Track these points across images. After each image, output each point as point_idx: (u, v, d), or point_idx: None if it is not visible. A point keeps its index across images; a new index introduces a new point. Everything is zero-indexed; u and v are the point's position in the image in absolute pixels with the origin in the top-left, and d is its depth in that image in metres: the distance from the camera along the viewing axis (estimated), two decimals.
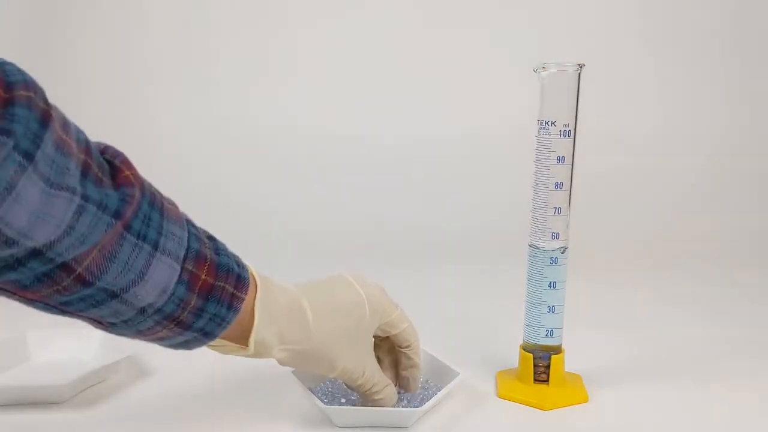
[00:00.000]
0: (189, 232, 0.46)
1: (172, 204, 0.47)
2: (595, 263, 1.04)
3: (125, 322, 0.45)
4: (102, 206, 0.40)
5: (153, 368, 0.69)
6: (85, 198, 0.39)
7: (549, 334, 0.63)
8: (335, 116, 1.33)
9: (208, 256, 0.47)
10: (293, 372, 0.60)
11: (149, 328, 0.46)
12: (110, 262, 0.41)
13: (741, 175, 1.28)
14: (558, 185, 0.60)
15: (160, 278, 0.43)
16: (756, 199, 1.26)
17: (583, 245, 0.80)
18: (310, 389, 0.59)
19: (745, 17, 1.30)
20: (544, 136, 0.60)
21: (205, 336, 0.48)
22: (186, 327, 0.46)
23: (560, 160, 0.60)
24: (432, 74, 1.32)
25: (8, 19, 1.26)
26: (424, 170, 1.30)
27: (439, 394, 0.58)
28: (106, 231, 0.40)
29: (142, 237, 0.42)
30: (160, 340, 0.48)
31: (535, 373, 0.64)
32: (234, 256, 0.50)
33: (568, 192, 0.61)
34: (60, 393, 0.60)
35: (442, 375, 0.63)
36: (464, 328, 0.81)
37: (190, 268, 0.45)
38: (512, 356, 0.67)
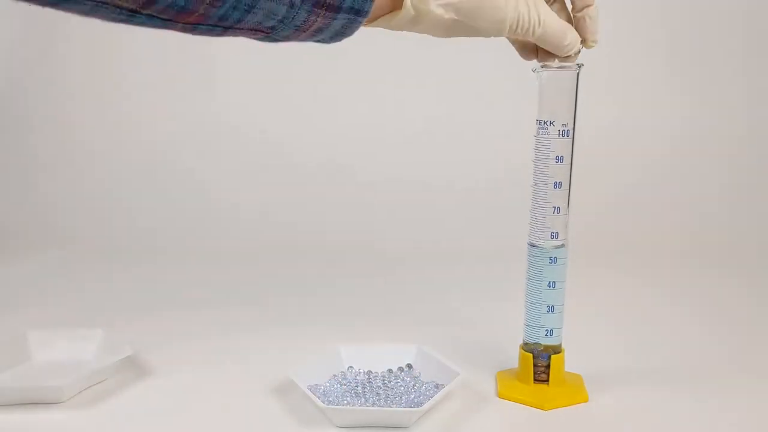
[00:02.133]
0: None
1: None
2: (595, 263, 1.04)
3: (281, 21, 0.45)
4: None
5: (153, 368, 0.69)
6: None
7: (549, 334, 0.63)
8: (335, 116, 1.33)
9: None
10: (293, 372, 0.60)
11: (304, 21, 0.46)
12: None
13: (742, 175, 1.28)
14: (557, 185, 0.60)
15: None
16: (757, 199, 1.26)
17: (583, 245, 0.80)
18: (310, 389, 0.59)
19: (745, 17, 1.30)
20: (543, 136, 0.60)
21: (357, 14, 0.47)
22: (336, 10, 0.46)
23: (559, 159, 0.60)
24: (431, 74, 1.32)
25: (8, 19, 1.27)
26: (423, 170, 1.30)
27: (439, 394, 0.58)
28: None
29: None
30: (319, 33, 0.48)
31: (535, 373, 0.64)
32: None
33: (567, 192, 0.61)
34: (60, 393, 0.60)
35: (442, 375, 0.63)
36: (464, 328, 0.81)
37: None
38: (512, 356, 0.67)
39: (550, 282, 0.62)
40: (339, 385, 0.62)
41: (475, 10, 0.49)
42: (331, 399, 0.60)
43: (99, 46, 1.34)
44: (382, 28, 0.51)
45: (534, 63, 0.59)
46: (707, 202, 1.25)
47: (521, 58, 0.58)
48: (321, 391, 0.61)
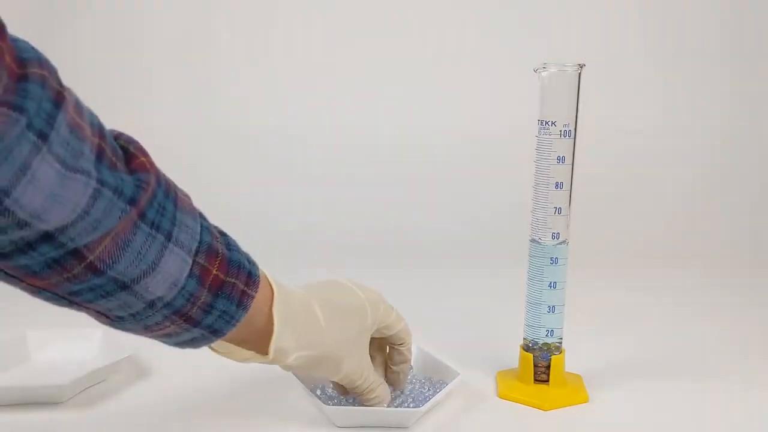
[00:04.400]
0: (201, 225, 0.45)
1: (186, 195, 0.46)
2: (596, 263, 1.04)
3: (133, 315, 0.43)
4: (118, 191, 0.38)
5: (153, 368, 0.69)
6: (101, 182, 0.37)
7: (549, 334, 0.63)
8: (335, 116, 1.33)
9: (220, 251, 0.46)
10: (294, 372, 0.60)
11: (157, 323, 0.44)
12: (123, 251, 0.39)
13: (741, 175, 1.28)
14: (558, 185, 0.60)
15: (172, 270, 0.42)
16: (756, 199, 1.26)
17: (584, 245, 0.80)
18: (310, 389, 0.59)
19: (745, 17, 1.30)
20: (545, 136, 0.60)
21: (213, 333, 0.47)
22: (194, 323, 0.45)
23: (560, 160, 0.60)
24: (432, 74, 1.32)
25: (9, 17, 1.26)
26: (424, 170, 1.30)
27: (439, 394, 0.58)
28: (120, 218, 0.38)
29: (156, 227, 0.41)
30: (167, 337, 0.47)
31: (535, 373, 0.64)
32: (245, 253, 0.49)
33: (569, 192, 0.61)
34: (60, 393, 0.60)
35: (442, 375, 0.63)
36: (464, 328, 0.81)
37: (201, 262, 0.44)
38: (512, 356, 0.67)
39: (550, 282, 0.62)
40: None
41: (321, 364, 0.53)
42: (331, 399, 0.60)
43: (100, 45, 1.33)
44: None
45: (535, 63, 0.59)
46: (708, 202, 1.25)
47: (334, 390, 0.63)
48: (321, 391, 0.61)
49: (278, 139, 1.32)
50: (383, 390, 0.57)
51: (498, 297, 0.90)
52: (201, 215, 0.46)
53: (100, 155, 0.38)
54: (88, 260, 0.39)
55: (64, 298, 0.42)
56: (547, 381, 0.63)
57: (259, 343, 0.50)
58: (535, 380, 0.64)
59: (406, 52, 1.32)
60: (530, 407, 0.61)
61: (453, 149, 1.31)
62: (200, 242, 0.44)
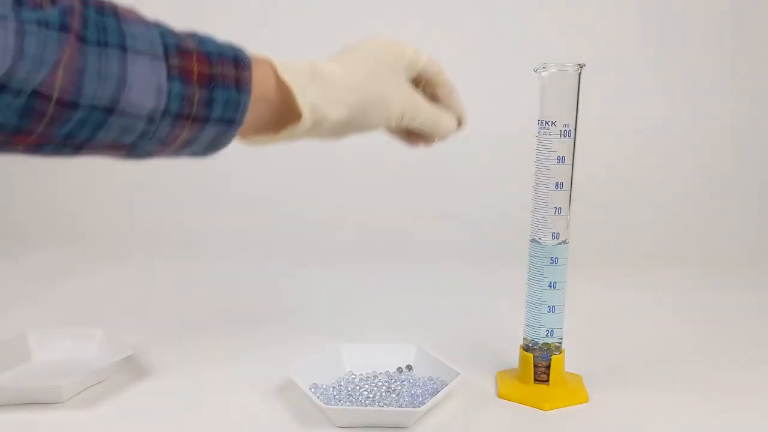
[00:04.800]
0: (160, 31, 0.44)
1: (130, 10, 0.45)
2: (596, 263, 1.04)
3: (142, 136, 0.43)
4: (42, 23, 0.38)
5: (153, 368, 0.69)
6: (21, 21, 0.37)
7: (549, 334, 0.63)
8: None
9: (193, 48, 0.45)
10: (293, 372, 0.60)
11: (168, 134, 0.44)
12: (81, 77, 0.39)
13: (742, 175, 1.28)
14: (558, 185, 0.60)
15: (146, 78, 0.42)
16: (757, 199, 1.26)
17: (584, 245, 0.80)
18: (311, 389, 0.59)
19: (746, 17, 1.30)
20: (545, 136, 0.60)
21: (229, 124, 0.46)
22: (204, 120, 0.45)
23: (561, 160, 0.60)
24: None
25: None
26: (423, 170, 1.30)
27: (439, 394, 0.58)
28: (59, 46, 0.38)
29: (102, 44, 0.40)
30: (189, 145, 0.46)
31: (535, 373, 0.64)
32: (226, 42, 0.48)
33: (569, 192, 0.61)
34: (60, 393, 0.60)
35: (442, 375, 0.63)
36: (464, 328, 0.81)
37: (176, 63, 0.43)
38: (512, 356, 0.67)
39: (550, 282, 0.62)
40: (339, 385, 0.62)
41: (364, 107, 0.51)
42: (331, 399, 0.60)
43: None
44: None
45: (535, 63, 0.59)
46: (709, 202, 1.25)
47: (406, 146, 0.61)
48: (321, 391, 0.61)
49: None
50: (448, 117, 0.55)
51: (498, 297, 0.90)
52: (157, 23, 0.45)
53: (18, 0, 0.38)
54: (54, 97, 0.39)
55: (65, 146, 0.42)
56: (547, 381, 0.63)
57: (290, 115, 0.49)
58: (535, 380, 0.64)
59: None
60: (530, 407, 0.61)
61: (453, 149, 1.30)
62: (165, 45, 0.43)
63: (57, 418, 0.59)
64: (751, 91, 1.31)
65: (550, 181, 0.60)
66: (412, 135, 0.59)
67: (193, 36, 0.47)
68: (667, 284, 1.01)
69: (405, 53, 0.56)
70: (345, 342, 0.68)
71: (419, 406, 0.57)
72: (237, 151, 1.39)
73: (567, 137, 0.60)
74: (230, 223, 1.25)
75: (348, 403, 0.59)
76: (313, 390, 0.60)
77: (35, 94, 0.38)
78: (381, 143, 1.32)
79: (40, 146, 0.41)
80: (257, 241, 1.19)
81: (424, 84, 0.59)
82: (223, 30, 0.52)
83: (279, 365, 0.66)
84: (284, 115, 0.49)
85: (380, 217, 1.23)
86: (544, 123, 0.60)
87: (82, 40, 0.39)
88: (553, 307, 0.62)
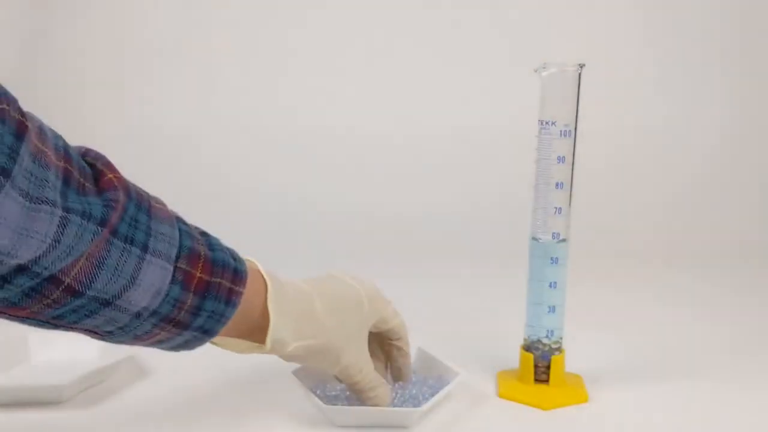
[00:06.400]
0: (180, 230, 0.45)
1: (160, 203, 0.45)
2: (596, 263, 1.04)
3: (121, 328, 0.44)
4: (86, 216, 0.38)
5: (153, 368, 0.69)
6: (67, 209, 0.37)
7: (549, 334, 0.63)
8: (336, 114, 1.33)
9: (202, 253, 0.45)
10: (293, 372, 0.60)
11: (147, 332, 0.45)
12: (99, 270, 0.39)
13: (742, 174, 1.28)
14: (559, 185, 0.60)
15: (153, 280, 0.42)
16: (757, 198, 1.26)
17: (584, 245, 0.80)
18: (310, 389, 0.59)
19: (746, 17, 1.30)
20: (545, 136, 0.60)
21: (205, 334, 0.47)
22: (184, 327, 0.45)
23: (561, 160, 0.60)
24: (432, 74, 1.32)
25: (17, 15, 1.26)
26: (424, 170, 1.30)
27: (439, 394, 0.58)
28: (92, 240, 0.38)
29: (129, 241, 0.41)
30: (159, 343, 0.47)
31: (535, 373, 0.64)
32: (229, 250, 0.49)
33: (569, 192, 0.61)
34: (60, 393, 0.60)
35: (442, 375, 0.63)
36: (464, 328, 0.81)
37: (183, 266, 0.44)
38: (513, 356, 0.67)
39: (551, 282, 0.62)
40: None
41: (321, 354, 0.53)
42: (331, 399, 0.60)
43: (101, 42, 1.33)
44: None
45: (535, 63, 0.59)
46: (709, 202, 1.25)
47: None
48: (321, 391, 0.61)
49: (278, 137, 1.32)
50: (384, 390, 0.57)
51: (498, 297, 0.90)
52: (178, 219, 0.46)
53: (66, 179, 0.38)
54: (66, 283, 0.39)
55: (48, 322, 0.42)
56: (547, 381, 0.63)
57: (257, 334, 0.50)
58: (536, 380, 0.64)
59: (407, 52, 1.32)
60: (530, 407, 0.61)
61: (453, 149, 1.31)
62: (180, 247, 0.44)
63: (57, 418, 0.59)
64: (751, 91, 1.31)
65: (550, 181, 0.60)
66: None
67: (205, 237, 0.48)
68: (667, 284, 1.01)
69: (383, 311, 0.58)
70: None
71: (419, 406, 0.57)
72: (237, 150, 1.39)
73: (567, 137, 0.60)
74: (230, 223, 1.24)
75: (348, 403, 0.59)
76: (313, 390, 0.60)
77: (50, 278, 0.38)
78: (381, 143, 1.32)
79: (25, 319, 0.41)
80: (257, 242, 1.19)
81: (382, 338, 0.61)
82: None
83: (279, 365, 0.66)
84: (249, 335, 0.51)
85: (380, 216, 1.23)
86: (544, 123, 0.60)
87: (113, 233, 0.40)
88: (553, 307, 0.62)
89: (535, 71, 0.59)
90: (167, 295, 0.43)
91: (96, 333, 0.45)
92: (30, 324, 0.42)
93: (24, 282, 0.37)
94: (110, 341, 0.46)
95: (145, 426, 0.58)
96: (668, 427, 0.58)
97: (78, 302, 0.40)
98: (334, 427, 0.57)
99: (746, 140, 1.30)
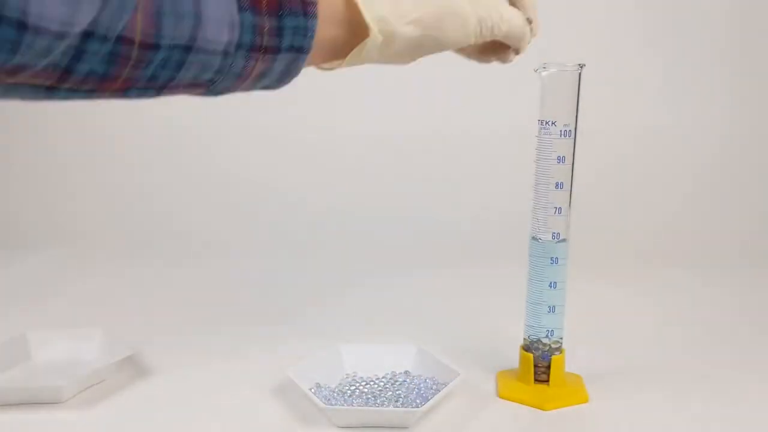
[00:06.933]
0: None
1: None
2: (596, 263, 1.04)
3: (219, 72, 0.44)
4: None
5: (153, 368, 0.69)
6: None
7: (549, 334, 0.63)
8: (335, 115, 1.33)
9: None
10: (293, 372, 0.60)
11: (244, 68, 0.45)
12: (159, 18, 0.39)
13: (742, 175, 1.28)
14: (559, 185, 0.60)
15: (219, 13, 0.42)
16: (757, 199, 1.26)
17: (584, 245, 0.80)
18: (311, 389, 0.59)
19: (747, 17, 1.30)
20: (545, 136, 0.60)
21: (299, 51, 0.46)
22: (275, 51, 0.45)
23: (561, 160, 0.60)
24: (432, 74, 1.32)
25: None
26: (424, 170, 1.30)
27: (439, 394, 0.58)
28: None
29: None
30: (263, 78, 0.47)
31: (535, 373, 0.64)
32: None
33: (569, 192, 0.61)
34: (60, 393, 0.60)
35: (442, 375, 0.63)
36: (465, 328, 0.81)
37: None
38: (513, 356, 0.67)
39: (551, 282, 0.62)
40: (339, 385, 0.62)
41: (439, 21, 0.49)
42: (331, 399, 0.60)
43: None
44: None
45: (536, 63, 0.59)
46: (709, 202, 1.25)
47: (478, 63, 0.58)
48: (321, 391, 0.61)
49: (278, 137, 1.32)
50: (525, 23, 0.53)
51: (498, 297, 0.90)
52: None
53: None
54: (137, 40, 0.39)
55: (149, 88, 0.42)
56: (547, 381, 0.63)
57: (357, 35, 0.48)
58: (535, 380, 0.64)
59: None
60: (530, 407, 0.61)
61: (453, 149, 1.31)
62: None
63: (57, 418, 0.59)
64: (752, 91, 1.31)
65: (550, 181, 0.60)
66: (486, 49, 0.56)
67: None
68: (666, 284, 1.01)
69: None
70: (345, 342, 0.68)
71: (419, 406, 0.57)
72: (238, 151, 1.40)
73: (567, 137, 0.60)
74: (230, 223, 1.25)
75: (348, 404, 0.59)
76: (313, 390, 0.60)
77: (120, 39, 0.38)
78: (382, 143, 1.32)
79: (126, 91, 0.42)
80: (257, 242, 1.19)
81: None
82: None
83: (279, 365, 0.66)
84: (354, 37, 0.49)
85: (380, 216, 1.23)
86: (544, 123, 0.60)
87: None
88: (553, 307, 0.62)
89: (535, 71, 0.59)
90: (242, 24, 0.43)
91: (199, 86, 0.45)
92: (134, 95, 0.42)
93: (98, 48, 0.38)
94: (218, 91, 0.46)
95: (144, 426, 0.58)
96: (668, 427, 0.58)
97: (160, 55, 0.40)
98: (334, 427, 0.57)
99: (746, 140, 1.30)
